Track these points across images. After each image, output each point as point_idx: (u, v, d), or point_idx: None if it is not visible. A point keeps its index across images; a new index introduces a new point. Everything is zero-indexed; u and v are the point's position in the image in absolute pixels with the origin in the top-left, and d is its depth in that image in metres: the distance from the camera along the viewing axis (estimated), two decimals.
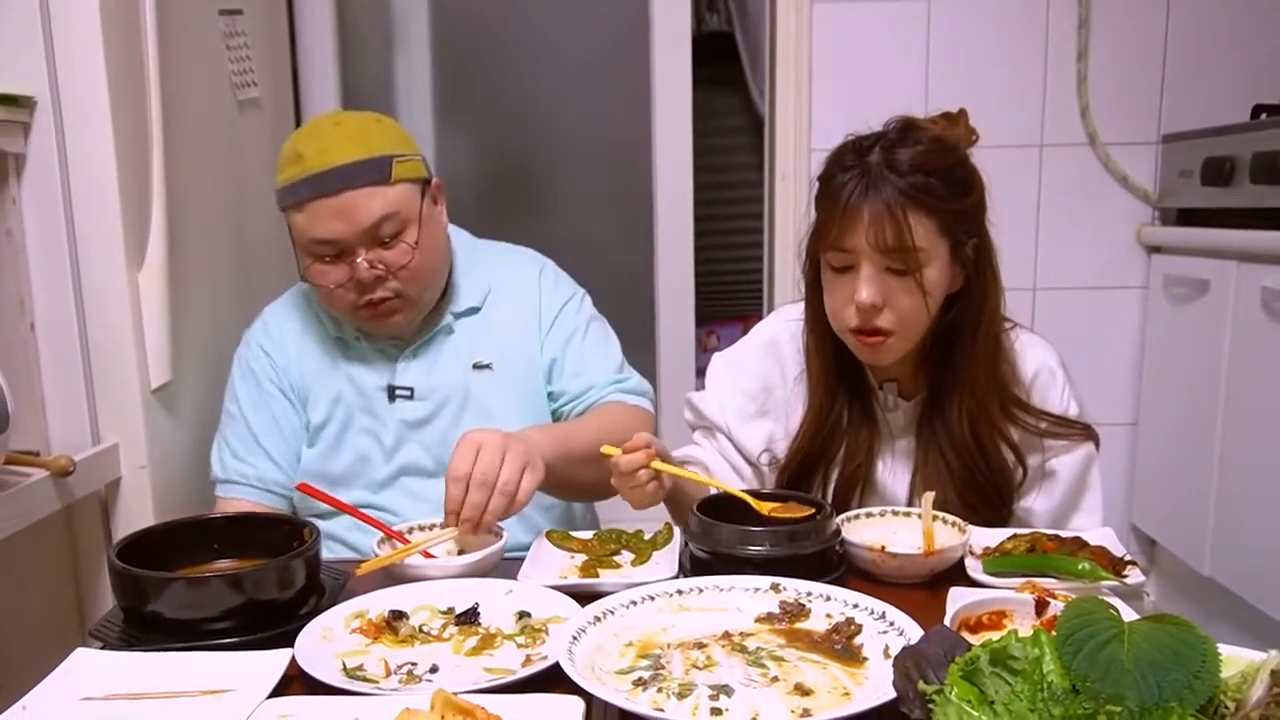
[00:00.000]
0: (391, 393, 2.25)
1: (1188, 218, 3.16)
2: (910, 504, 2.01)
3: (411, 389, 2.24)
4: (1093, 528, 1.94)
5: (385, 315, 2.14)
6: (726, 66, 3.97)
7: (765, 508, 1.81)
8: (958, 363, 1.98)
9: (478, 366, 2.25)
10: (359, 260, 2.06)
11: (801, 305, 2.12)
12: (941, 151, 1.89)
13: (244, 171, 2.76)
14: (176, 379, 2.26)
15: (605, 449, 1.89)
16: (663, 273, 3.51)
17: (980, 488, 1.99)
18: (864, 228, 1.82)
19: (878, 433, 2.08)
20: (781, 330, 2.17)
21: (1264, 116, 3.02)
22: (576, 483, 2.18)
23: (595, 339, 2.38)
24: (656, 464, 1.87)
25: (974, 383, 1.97)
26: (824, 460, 2.06)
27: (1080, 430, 2.03)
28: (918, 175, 1.83)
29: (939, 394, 2.02)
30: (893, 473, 2.07)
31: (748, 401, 2.15)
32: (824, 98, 3.22)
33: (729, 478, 2.13)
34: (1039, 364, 2.06)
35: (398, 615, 1.59)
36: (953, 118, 2.00)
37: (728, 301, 4.12)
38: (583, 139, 3.55)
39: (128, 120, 2.11)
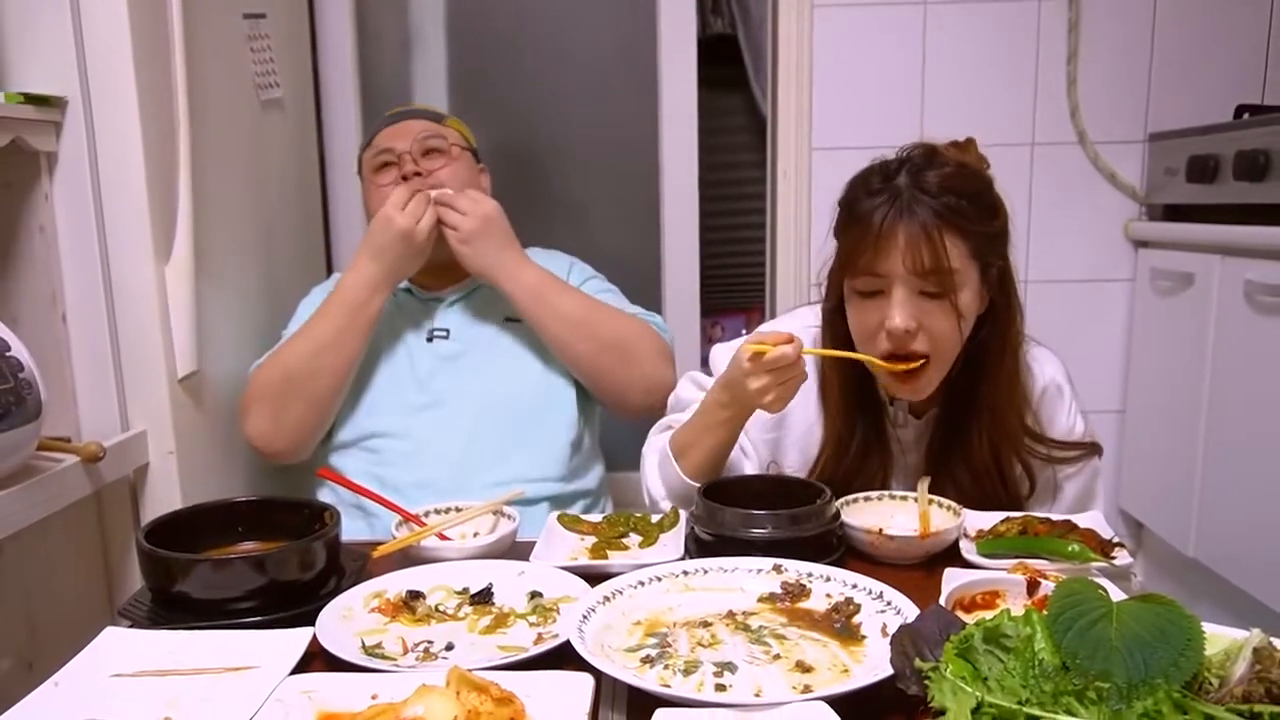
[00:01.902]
0: (430, 335, 2.50)
1: (1173, 213, 3.15)
2: None
3: (448, 330, 2.50)
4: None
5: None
6: (730, 68, 3.95)
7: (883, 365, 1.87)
8: (981, 387, 1.94)
9: (509, 319, 2.45)
10: (405, 159, 2.44)
11: (816, 310, 2.08)
12: (969, 175, 1.86)
13: (267, 169, 2.77)
14: (202, 369, 2.26)
15: (756, 347, 1.78)
16: (669, 266, 3.50)
17: (991, 505, 1.94)
18: (899, 251, 1.77)
19: (890, 454, 2.04)
20: (802, 334, 2.01)
21: (1246, 116, 3.01)
22: (557, 328, 2.37)
23: (618, 296, 2.60)
24: (809, 350, 1.85)
25: (996, 406, 1.94)
26: (842, 484, 1.96)
27: (1085, 451, 2.02)
28: (949, 196, 1.78)
29: (955, 415, 1.99)
30: (903, 488, 2.01)
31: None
32: (824, 98, 3.21)
33: (735, 456, 2.10)
34: (1047, 381, 2.05)
35: (415, 595, 1.59)
36: (961, 146, 1.95)
37: (731, 294, 4.11)
38: (592, 137, 3.54)
39: (155, 120, 2.11)
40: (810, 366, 2.00)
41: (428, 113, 2.59)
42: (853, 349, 1.93)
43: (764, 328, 2.14)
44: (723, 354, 2.12)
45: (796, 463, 2.11)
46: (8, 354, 1.69)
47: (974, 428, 1.95)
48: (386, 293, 2.34)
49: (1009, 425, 1.95)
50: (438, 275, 2.51)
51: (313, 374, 2.30)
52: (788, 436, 2.12)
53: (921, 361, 1.86)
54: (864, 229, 1.80)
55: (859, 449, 2.02)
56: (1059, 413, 2.05)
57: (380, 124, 2.57)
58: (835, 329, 1.99)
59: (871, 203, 1.81)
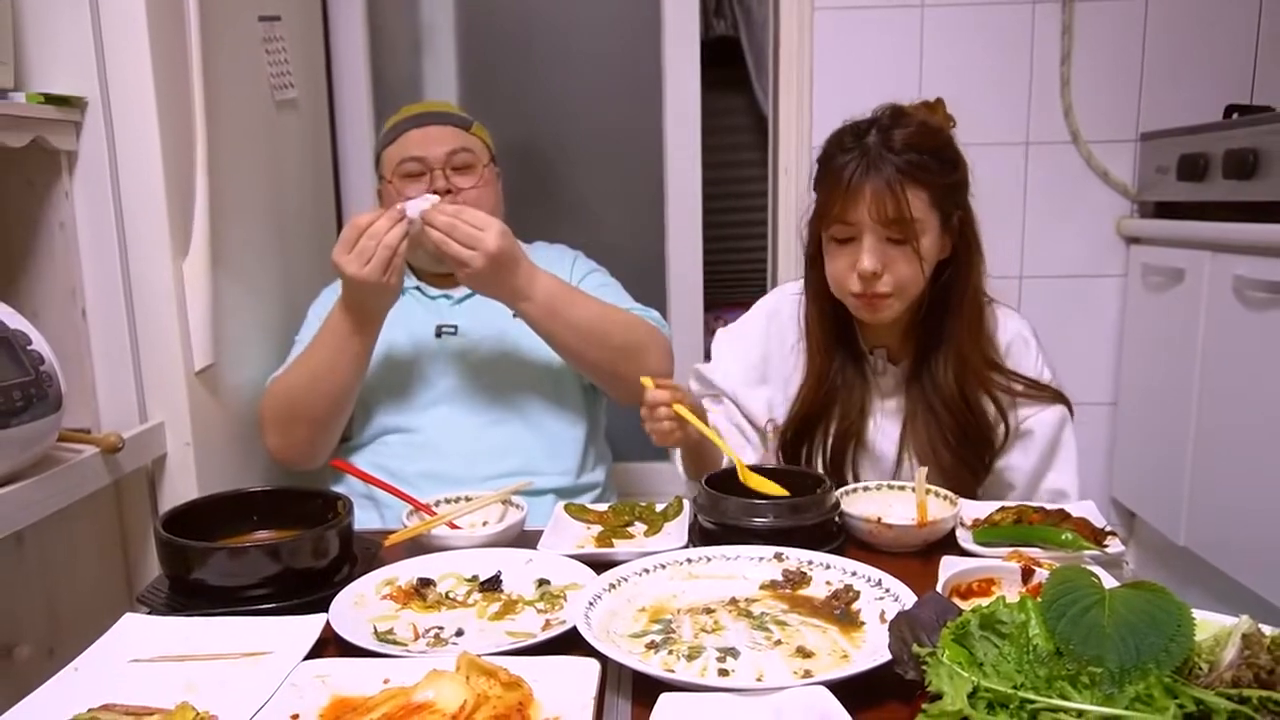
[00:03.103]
0: (439, 331, 2.47)
1: (1164, 210, 3.14)
2: (899, 459, 2.14)
3: (456, 326, 2.47)
4: (1068, 484, 2.12)
5: None
6: (733, 69, 3.95)
7: (752, 480, 1.85)
8: (946, 324, 2.07)
9: (516, 314, 2.33)
10: (437, 175, 2.39)
11: (800, 282, 2.22)
12: (931, 132, 2.00)
13: (282, 167, 2.77)
14: (218, 361, 2.26)
15: (643, 379, 1.98)
16: (673, 261, 3.50)
17: (967, 440, 2.08)
18: (866, 203, 1.92)
19: (869, 393, 2.14)
20: (783, 303, 2.27)
21: (1235, 116, 3.01)
22: (569, 339, 2.27)
23: (619, 290, 2.57)
24: (679, 408, 1.93)
25: (960, 342, 2.06)
26: (823, 419, 2.15)
27: (1050, 394, 2.12)
28: (912, 153, 1.93)
29: (926, 355, 2.11)
30: (882, 431, 2.15)
31: (750, 369, 2.24)
32: (824, 98, 3.21)
33: (738, 443, 2.20)
34: (1013, 334, 2.16)
35: (425, 582, 1.59)
36: (931, 106, 2.16)
37: (734, 288, 4.11)
38: (599, 137, 3.54)
39: (173, 120, 2.11)
40: (791, 320, 2.23)
41: (454, 116, 2.54)
42: (828, 291, 2.09)
43: (749, 320, 2.33)
44: (724, 339, 2.31)
45: (782, 408, 2.22)
46: (29, 347, 1.69)
47: (939, 362, 2.08)
48: (370, 328, 2.24)
49: (974, 361, 2.07)
50: (447, 277, 2.50)
51: (311, 401, 2.28)
52: (777, 394, 2.22)
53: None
54: (836, 182, 1.97)
55: (840, 380, 2.15)
56: (1025, 361, 2.15)
57: (405, 121, 2.49)
58: (815, 271, 2.13)
59: (843, 159, 1.97)
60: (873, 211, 1.92)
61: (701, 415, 2.02)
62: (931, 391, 2.09)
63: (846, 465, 2.16)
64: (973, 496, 2.04)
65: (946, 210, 2.00)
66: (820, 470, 2.14)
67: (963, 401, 2.07)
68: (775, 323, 2.26)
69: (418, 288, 2.53)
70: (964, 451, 2.09)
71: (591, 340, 2.26)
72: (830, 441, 2.16)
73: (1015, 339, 2.16)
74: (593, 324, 2.27)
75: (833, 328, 2.15)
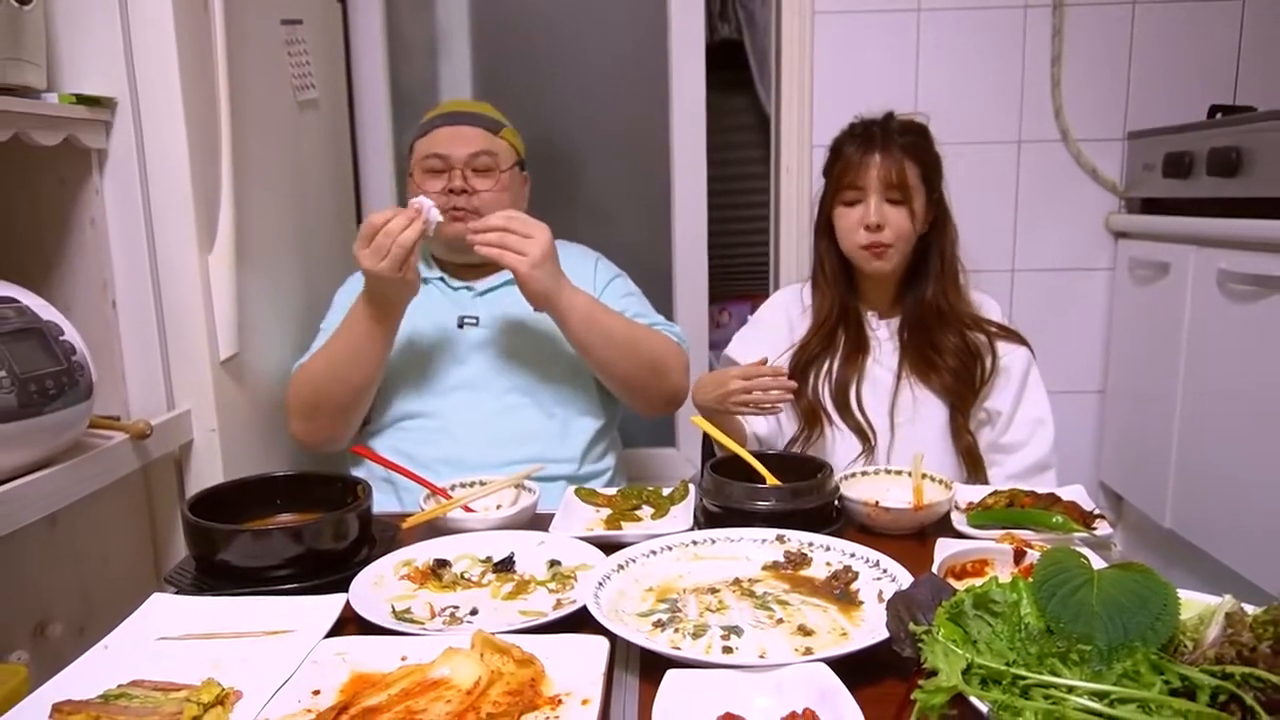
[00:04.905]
0: (461, 321, 2.46)
1: (1151, 207, 3.13)
2: (898, 383, 2.35)
3: (478, 318, 2.47)
4: (1044, 412, 2.36)
5: (460, 221, 2.33)
6: (736, 71, 3.95)
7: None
8: (930, 280, 2.38)
9: (538, 309, 2.31)
10: (455, 174, 2.39)
11: (795, 286, 2.56)
12: (918, 126, 2.37)
13: (304, 165, 2.76)
14: (243, 352, 2.26)
15: (693, 419, 2.11)
16: (679, 256, 3.49)
17: (960, 361, 2.33)
18: (876, 169, 2.27)
19: (866, 338, 2.41)
20: (791, 291, 2.56)
21: (1219, 115, 3.00)
22: (600, 351, 2.29)
23: (642, 300, 2.59)
24: (696, 419, 2.10)
25: (943, 292, 2.37)
26: (828, 354, 2.39)
27: (1017, 336, 2.40)
28: (909, 136, 2.31)
29: (915, 306, 2.39)
30: (880, 363, 2.39)
31: (765, 338, 2.46)
32: (824, 99, 3.20)
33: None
34: (982, 298, 2.48)
35: (441, 563, 1.59)
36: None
37: (737, 282, 4.12)
38: (608, 137, 3.53)
39: (199, 119, 2.11)
40: (795, 297, 2.52)
41: (485, 119, 2.52)
42: (839, 252, 2.40)
43: (762, 309, 2.53)
44: (742, 329, 2.54)
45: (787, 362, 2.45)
46: (61, 338, 1.69)
47: (930, 309, 2.37)
48: (390, 319, 2.24)
49: (956, 305, 2.38)
50: (469, 268, 2.50)
51: (333, 390, 2.28)
52: (782, 359, 2.42)
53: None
54: (849, 158, 2.32)
55: (840, 326, 2.41)
56: (993, 316, 2.44)
57: (440, 117, 2.50)
58: (825, 239, 2.43)
59: (856, 141, 2.33)
60: (881, 175, 2.26)
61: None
62: (922, 330, 2.36)
63: (850, 390, 2.36)
64: (968, 414, 2.33)
65: (931, 184, 2.34)
66: (826, 396, 2.36)
67: (953, 333, 2.35)
68: (783, 300, 2.54)
69: (441, 279, 2.51)
70: (958, 368, 2.33)
71: (623, 352, 2.29)
72: (835, 370, 2.38)
73: (985, 300, 2.47)
74: (626, 337, 2.30)
75: (837, 280, 2.42)
